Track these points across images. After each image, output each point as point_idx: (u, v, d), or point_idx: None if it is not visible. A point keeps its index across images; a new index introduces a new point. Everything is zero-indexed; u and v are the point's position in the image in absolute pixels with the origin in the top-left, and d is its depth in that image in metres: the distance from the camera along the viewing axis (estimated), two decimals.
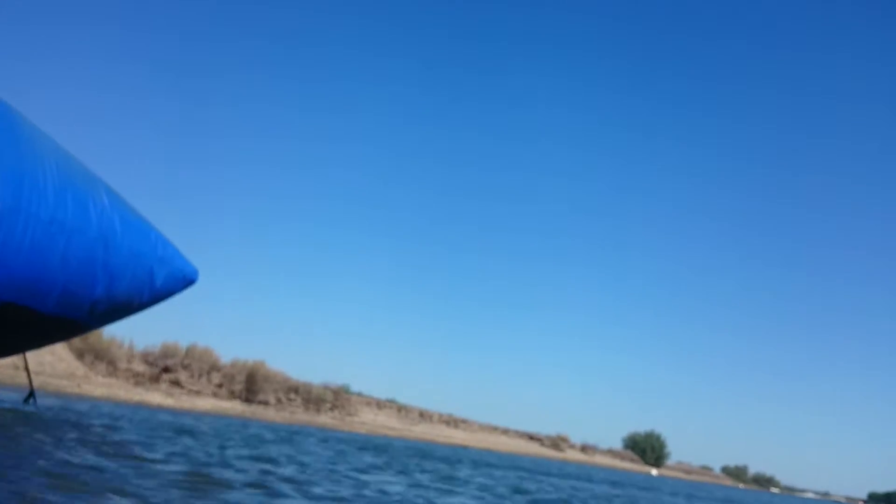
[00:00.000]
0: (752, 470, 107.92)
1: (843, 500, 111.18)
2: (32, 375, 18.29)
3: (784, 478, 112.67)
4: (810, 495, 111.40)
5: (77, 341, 22.38)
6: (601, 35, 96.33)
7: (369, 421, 40.16)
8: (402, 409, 48.31)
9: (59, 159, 8.81)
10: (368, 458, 12.35)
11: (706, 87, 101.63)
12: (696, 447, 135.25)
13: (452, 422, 52.57)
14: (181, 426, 12.29)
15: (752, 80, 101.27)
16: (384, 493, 7.30)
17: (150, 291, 9.92)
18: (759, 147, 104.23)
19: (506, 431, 59.74)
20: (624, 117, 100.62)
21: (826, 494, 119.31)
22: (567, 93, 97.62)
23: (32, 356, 19.93)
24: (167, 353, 27.12)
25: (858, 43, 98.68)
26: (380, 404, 46.70)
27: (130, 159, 72.97)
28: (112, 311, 9.73)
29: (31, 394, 11.09)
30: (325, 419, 33.88)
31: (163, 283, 10.01)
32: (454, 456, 20.78)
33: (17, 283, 8.04)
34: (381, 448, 17.35)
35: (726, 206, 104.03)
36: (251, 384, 30.01)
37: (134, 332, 44.02)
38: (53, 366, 21.11)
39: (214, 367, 28.75)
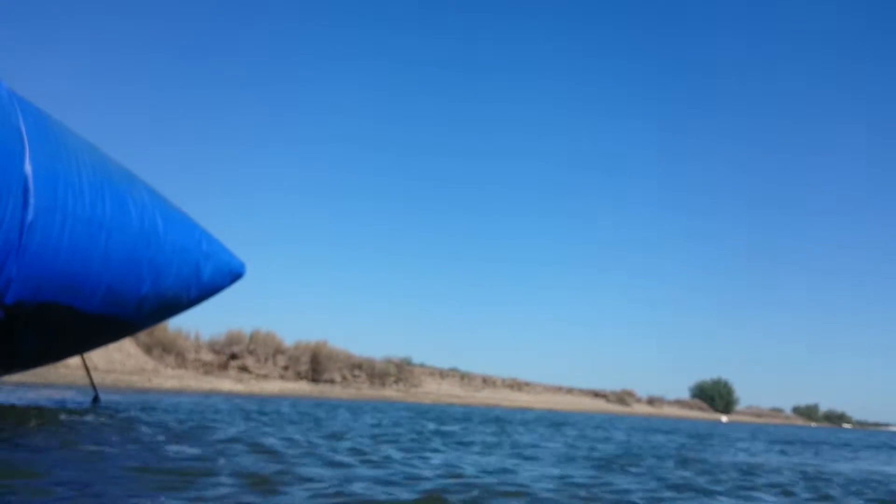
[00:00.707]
0: (824, 408, 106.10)
1: None
2: (103, 374, 18.59)
3: (856, 413, 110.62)
4: (894, 429, 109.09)
5: (144, 336, 22.66)
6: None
7: (433, 391, 40.25)
8: (464, 377, 48.37)
9: (95, 159, 8.73)
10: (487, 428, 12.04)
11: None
12: (765, 390, 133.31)
13: (516, 385, 52.50)
14: (314, 410, 12.19)
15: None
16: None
17: (198, 287, 9.84)
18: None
19: (570, 391, 59.51)
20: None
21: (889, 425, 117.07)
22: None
23: (102, 355, 20.27)
24: (232, 340, 27.36)
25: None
26: (442, 374, 46.82)
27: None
28: (161, 308, 9.65)
29: (96, 395, 11.18)
30: (391, 392, 34.00)
31: (210, 277, 9.91)
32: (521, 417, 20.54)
33: (58, 282, 7.96)
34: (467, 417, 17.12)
35: (766, 158, 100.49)
36: (316, 364, 30.20)
37: (199, 323, 44.81)
38: (123, 363, 21.38)
39: (279, 350, 28.96)
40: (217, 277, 10.06)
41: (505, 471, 6.07)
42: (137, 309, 9.16)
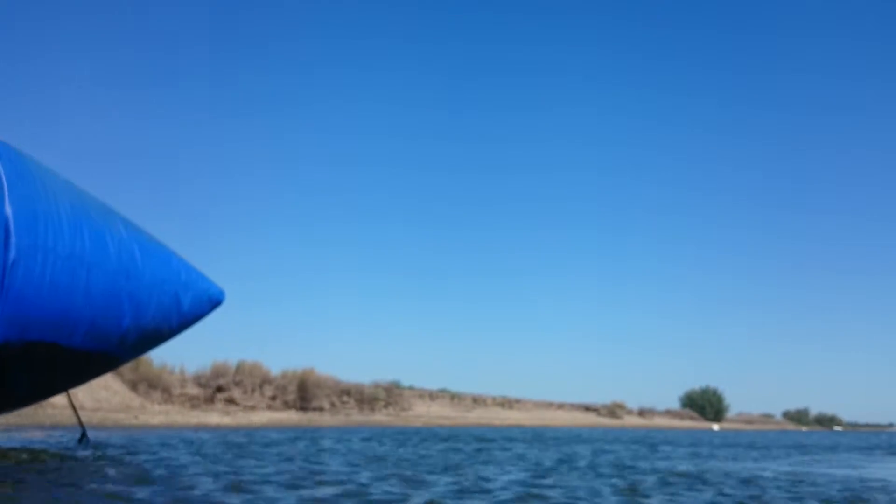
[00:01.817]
0: (814, 411, 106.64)
1: None
2: (90, 412, 18.53)
3: (847, 415, 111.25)
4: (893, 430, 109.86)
5: (129, 372, 22.61)
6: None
7: (424, 413, 40.21)
8: (454, 397, 48.33)
9: (72, 196, 8.90)
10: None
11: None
12: (755, 397, 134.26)
13: (507, 403, 52.50)
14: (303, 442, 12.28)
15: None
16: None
17: (179, 316, 9.98)
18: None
19: (561, 406, 59.56)
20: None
21: (891, 425, 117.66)
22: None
23: (87, 393, 20.20)
24: (218, 372, 27.32)
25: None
26: (432, 395, 46.77)
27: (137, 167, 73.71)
28: (144, 340, 9.79)
29: (84, 433, 11.15)
30: (381, 417, 33.95)
31: (190, 306, 10.05)
32: (526, 436, 20.71)
33: (42, 320, 8.09)
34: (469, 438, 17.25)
35: (763, 157, 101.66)
36: (303, 392, 30.15)
37: (184, 357, 44.54)
38: (109, 400, 21.32)
39: (265, 380, 28.91)
40: (197, 306, 10.20)
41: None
42: (120, 342, 9.28)
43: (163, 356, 29.16)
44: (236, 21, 78.37)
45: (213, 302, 10.48)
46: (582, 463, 10.54)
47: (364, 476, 7.30)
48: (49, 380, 9.45)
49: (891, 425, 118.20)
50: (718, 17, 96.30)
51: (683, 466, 10.50)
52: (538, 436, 22.63)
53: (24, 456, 8.33)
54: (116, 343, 9.23)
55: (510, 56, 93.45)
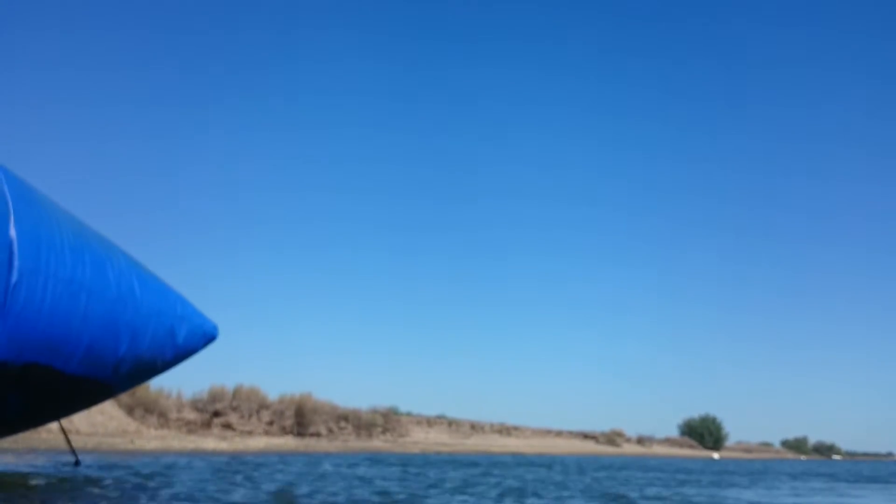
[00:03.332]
0: (813, 440, 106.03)
1: None
2: (85, 437, 18.33)
3: (845, 444, 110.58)
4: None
5: (125, 396, 22.40)
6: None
7: (421, 440, 39.87)
8: (452, 424, 47.98)
9: (74, 225, 9.04)
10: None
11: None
12: (754, 425, 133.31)
13: (505, 430, 52.12)
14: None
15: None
16: None
17: (173, 349, 10.06)
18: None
19: (560, 433, 59.13)
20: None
21: (890, 455, 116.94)
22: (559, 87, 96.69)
23: (83, 417, 20.01)
24: (215, 397, 27.12)
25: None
26: (430, 422, 46.45)
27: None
28: (138, 370, 9.83)
29: (77, 459, 11.09)
30: (378, 443, 33.65)
31: (184, 340, 10.15)
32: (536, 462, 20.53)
33: (40, 342, 8.11)
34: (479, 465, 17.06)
35: (754, 187, 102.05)
36: (301, 417, 29.91)
37: (181, 381, 44.27)
38: (105, 425, 21.11)
39: (263, 404, 28.70)
40: (191, 340, 10.30)
41: None
42: (115, 371, 9.31)
43: (159, 380, 28.99)
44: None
45: (207, 337, 10.59)
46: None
47: None
48: (42, 405, 9.43)
49: (890, 454, 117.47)
50: (695, 48, 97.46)
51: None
52: (526, 461, 22.42)
53: (14, 481, 8.24)
54: (111, 371, 9.26)
55: (490, 80, 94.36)
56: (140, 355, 9.49)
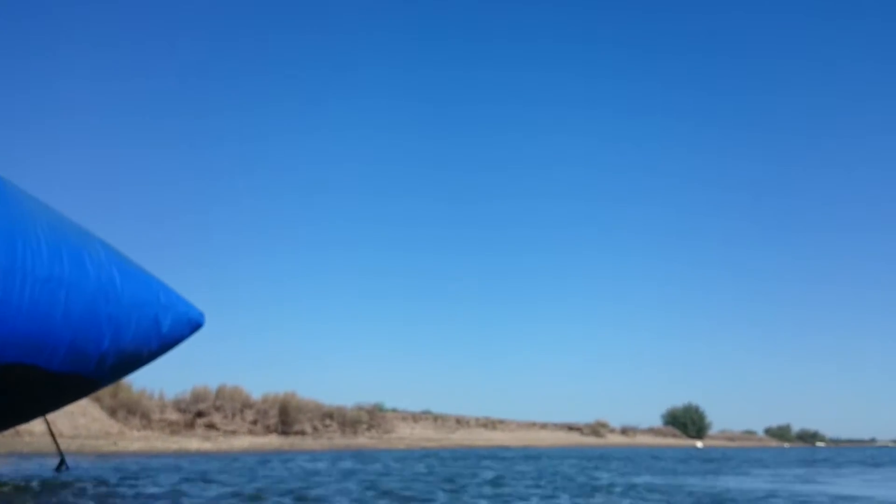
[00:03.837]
0: (796, 427, 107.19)
1: (890, 444, 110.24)
2: (68, 439, 18.36)
3: (828, 431, 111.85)
4: (886, 442, 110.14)
5: (108, 398, 22.43)
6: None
7: (407, 435, 40.07)
8: (438, 419, 48.20)
9: (50, 218, 8.89)
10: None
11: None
12: (737, 413, 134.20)
13: (490, 424, 52.41)
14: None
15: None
16: None
17: (158, 339, 9.92)
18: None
19: (545, 426, 59.53)
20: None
21: (873, 441, 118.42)
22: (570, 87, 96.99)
23: (66, 419, 20.02)
24: (198, 397, 27.16)
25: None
26: (415, 417, 46.63)
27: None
28: (123, 362, 9.71)
29: (62, 461, 11.02)
30: (364, 440, 33.81)
31: (169, 329, 10.00)
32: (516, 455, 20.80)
33: (21, 342, 8.09)
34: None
35: (741, 174, 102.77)
36: (285, 416, 30.01)
37: (163, 382, 44.11)
38: (87, 427, 21.14)
39: (246, 404, 28.77)
40: (177, 329, 10.14)
41: None
42: (99, 365, 9.22)
43: (142, 381, 29.02)
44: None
45: (192, 324, 10.42)
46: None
47: None
48: (27, 403, 9.40)
49: (873, 440, 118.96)
50: (708, 42, 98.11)
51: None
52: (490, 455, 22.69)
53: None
54: (95, 366, 9.18)
55: (500, 80, 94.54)
56: (124, 348, 9.38)
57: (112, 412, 23.09)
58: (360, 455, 20.66)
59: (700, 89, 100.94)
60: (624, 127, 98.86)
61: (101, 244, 9.49)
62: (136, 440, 21.52)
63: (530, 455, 23.50)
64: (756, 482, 11.77)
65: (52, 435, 11.32)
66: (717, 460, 21.87)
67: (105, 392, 19.92)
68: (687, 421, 76.75)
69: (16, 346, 8.05)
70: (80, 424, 20.69)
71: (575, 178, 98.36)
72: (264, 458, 17.88)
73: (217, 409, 27.32)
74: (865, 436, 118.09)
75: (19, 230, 8.19)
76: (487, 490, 9.03)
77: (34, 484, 8.44)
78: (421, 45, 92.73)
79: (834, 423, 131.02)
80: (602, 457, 22.54)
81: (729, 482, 11.64)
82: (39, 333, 8.24)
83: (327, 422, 33.60)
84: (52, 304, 8.33)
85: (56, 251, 8.52)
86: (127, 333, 9.33)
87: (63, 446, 13.38)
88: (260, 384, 70.04)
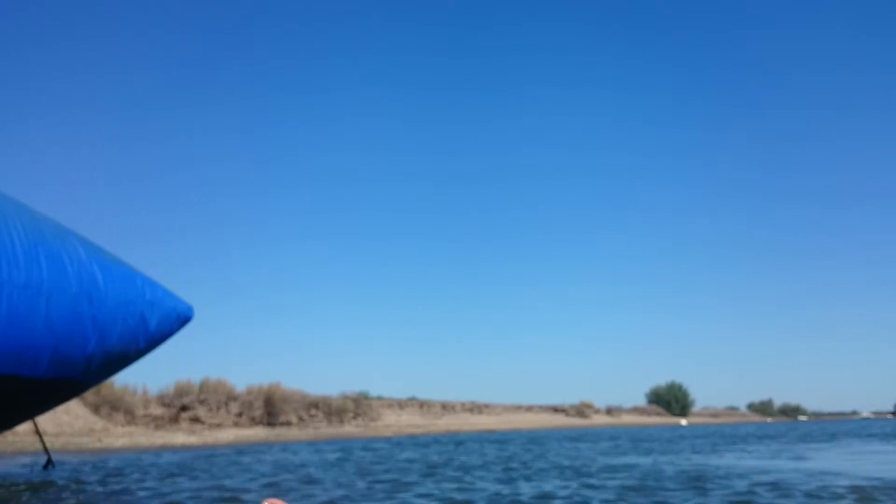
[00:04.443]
0: (778, 402, 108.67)
1: (871, 416, 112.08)
2: (52, 437, 18.35)
3: (811, 405, 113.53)
4: (867, 415, 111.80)
5: (90, 395, 22.40)
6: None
7: (393, 422, 40.29)
8: (423, 405, 48.48)
9: (24, 219, 8.56)
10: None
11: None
12: (720, 390, 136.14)
13: (476, 408, 52.77)
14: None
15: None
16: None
17: (146, 337, 9.66)
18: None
19: (530, 408, 60.02)
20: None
21: (854, 413, 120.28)
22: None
23: (49, 418, 19.99)
24: (182, 391, 27.16)
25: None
26: (401, 404, 46.88)
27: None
28: (110, 363, 9.48)
29: (49, 459, 10.91)
30: (350, 429, 33.98)
31: (157, 326, 9.72)
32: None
33: (2, 354, 7.85)
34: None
35: (722, 146, 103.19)
36: (270, 407, 30.08)
37: (146, 377, 44.05)
38: (71, 424, 21.13)
39: (231, 396, 28.81)
40: (165, 325, 9.86)
41: None
42: (86, 368, 9.01)
43: (124, 377, 28.99)
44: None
45: (181, 319, 10.17)
46: None
47: None
48: (13, 411, 9.19)
49: (854, 413, 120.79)
50: (709, 17, 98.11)
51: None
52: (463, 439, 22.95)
53: None
54: (82, 369, 8.96)
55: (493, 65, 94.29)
56: (110, 349, 9.10)
57: (95, 409, 23.07)
58: (347, 447, 20.81)
59: (685, 66, 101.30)
60: (583, 104, 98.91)
61: (79, 241, 9.16)
62: (120, 436, 21.54)
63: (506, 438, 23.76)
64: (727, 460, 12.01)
65: (39, 434, 11.22)
66: (703, 437, 22.21)
67: None
68: (671, 399, 77.68)
69: None
70: (64, 422, 20.67)
71: (551, 158, 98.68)
72: (242, 450, 17.98)
73: (201, 402, 27.35)
74: (847, 409, 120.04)
75: None
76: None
77: (21, 486, 8.47)
78: (412, 31, 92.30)
79: (816, 397, 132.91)
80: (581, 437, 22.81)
81: (698, 459, 11.85)
82: (21, 343, 7.97)
83: (313, 412, 33.71)
84: (33, 313, 8.04)
85: (33, 255, 8.22)
86: (113, 334, 9.07)
87: (46, 444, 13.40)
88: (244, 376, 70.15)
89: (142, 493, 7.30)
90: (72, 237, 9.15)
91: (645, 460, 11.67)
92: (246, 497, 6.72)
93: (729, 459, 11.85)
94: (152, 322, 9.63)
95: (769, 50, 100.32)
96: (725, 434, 27.59)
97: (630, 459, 11.96)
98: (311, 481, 8.27)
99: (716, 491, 6.78)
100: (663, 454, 13.45)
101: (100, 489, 7.85)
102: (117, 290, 9.15)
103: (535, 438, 24.07)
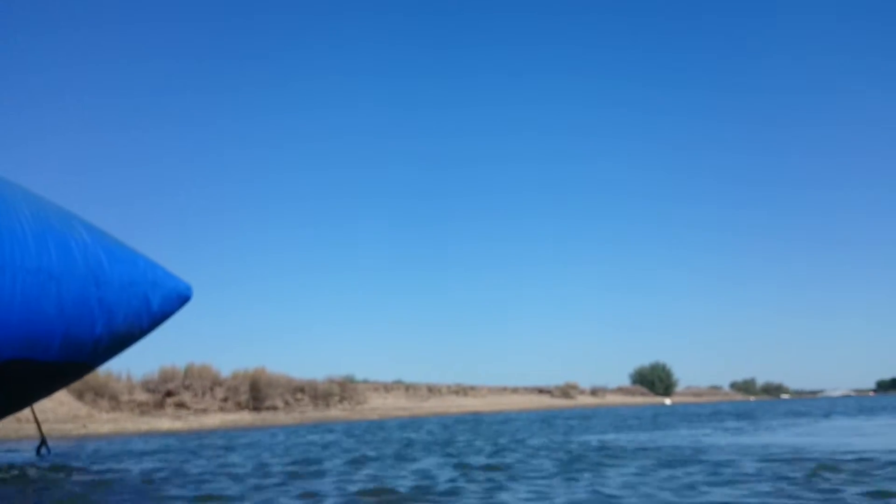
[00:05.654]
0: (761, 381, 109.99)
1: (852, 394, 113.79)
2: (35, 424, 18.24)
3: (793, 383, 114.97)
4: (838, 393, 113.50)
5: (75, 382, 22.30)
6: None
7: (380, 406, 40.42)
8: (409, 388, 48.65)
9: (31, 205, 8.71)
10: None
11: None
12: (703, 370, 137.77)
13: (462, 391, 53.05)
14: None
15: None
16: None
17: (149, 316, 9.89)
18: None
19: (515, 390, 60.41)
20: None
21: (835, 391, 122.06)
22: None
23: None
24: (166, 377, 27.11)
25: None
26: (387, 387, 47.01)
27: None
28: (115, 344, 9.69)
29: (43, 442, 10.95)
30: (336, 412, 34.07)
31: (159, 306, 9.96)
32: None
33: (16, 338, 7.98)
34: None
35: (707, 133, 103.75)
36: (256, 392, 30.09)
37: (130, 363, 43.89)
38: (55, 411, 21.05)
39: (216, 381, 28.78)
40: (166, 304, 10.12)
41: None
42: (93, 350, 9.20)
43: (108, 363, 28.77)
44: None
45: (181, 299, 10.38)
46: None
47: None
48: (24, 395, 9.33)
49: (835, 391, 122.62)
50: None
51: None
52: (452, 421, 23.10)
53: None
54: (90, 351, 9.15)
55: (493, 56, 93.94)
56: (116, 330, 9.32)
57: (79, 395, 22.99)
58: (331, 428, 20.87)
59: (680, 54, 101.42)
60: (569, 90, 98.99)
61: (83, 225, 9.34)
62: (105, 422, 21.50)
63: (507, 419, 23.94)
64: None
65: (36, 419, 11.34)
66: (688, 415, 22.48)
67: None
68: (654, 379, 78.47)
69: (12, 343, 7.93)
70: (48, 408, 20.58)
71: (534, 141, 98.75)
72: (233, 435, 18.01)
73: (186, 387, 27.31)
74: (829, 386, 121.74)
75: (4, 224, 8.03)
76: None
77: (15, 472, 8.44)
78: (409, 23, 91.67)
79: (798, 376, 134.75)
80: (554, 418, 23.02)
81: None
82: (34, 327, 8.13)
83: (299, 396, 33.76)
84: (44, 297, 8.22)
85: (42, 241, 8.36)
86: (119, 315, 9.27)
87: (31, 432, 13.37)
88: (229, 362, 70.04)
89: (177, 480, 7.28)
90: (75, 221, 9.33)
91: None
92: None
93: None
94: (155, 302, 9.87)
95: (756, 36, 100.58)
96: (689, 412, 27.88)
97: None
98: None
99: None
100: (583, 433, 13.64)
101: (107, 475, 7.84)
102: (121, 272, 9.36)
103: (544, 418, 24.23)
